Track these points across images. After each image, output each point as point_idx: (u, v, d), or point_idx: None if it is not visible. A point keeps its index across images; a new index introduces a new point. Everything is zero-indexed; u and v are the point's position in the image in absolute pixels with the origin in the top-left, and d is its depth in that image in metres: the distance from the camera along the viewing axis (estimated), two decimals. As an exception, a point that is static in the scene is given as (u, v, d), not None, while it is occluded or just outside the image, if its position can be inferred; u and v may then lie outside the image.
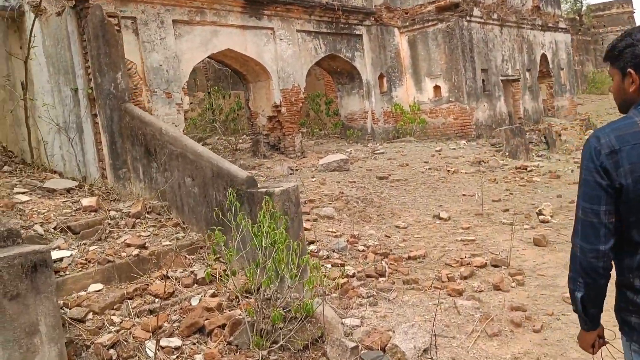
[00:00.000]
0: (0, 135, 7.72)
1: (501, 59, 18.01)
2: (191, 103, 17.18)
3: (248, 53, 12.76)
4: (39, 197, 5.82)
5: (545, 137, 15.49)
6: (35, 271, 3.39)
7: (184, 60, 11.47)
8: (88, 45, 6.33)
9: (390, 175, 10.85)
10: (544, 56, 20.68)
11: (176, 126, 11.06)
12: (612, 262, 1.97)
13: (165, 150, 5.89)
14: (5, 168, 6.96)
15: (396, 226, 7.71)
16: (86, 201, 5.71)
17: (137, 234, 5.43)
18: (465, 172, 11.17)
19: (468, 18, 16.36)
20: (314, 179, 10.43)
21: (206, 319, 4.39)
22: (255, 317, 4.20)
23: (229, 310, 4.58)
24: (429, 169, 11.44)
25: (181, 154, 5.73)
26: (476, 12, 16.68)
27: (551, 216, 7.88)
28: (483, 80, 17.11)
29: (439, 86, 16.74)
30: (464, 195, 9.37)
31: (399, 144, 15.48)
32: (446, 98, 16.59)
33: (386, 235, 7.27)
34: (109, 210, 5.71)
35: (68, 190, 6.08)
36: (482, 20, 17.06)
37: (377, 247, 6.76)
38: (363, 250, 6.69)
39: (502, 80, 17.96)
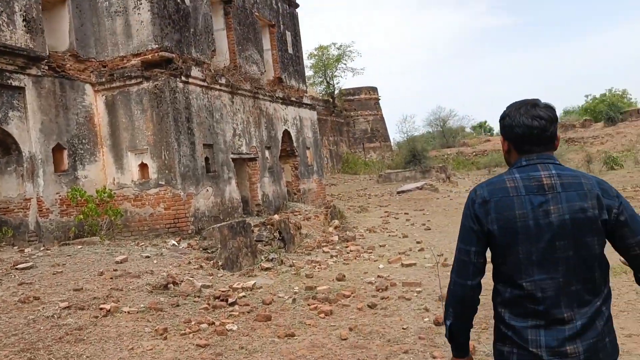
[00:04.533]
0: None
1: (232, 133, 14.55)
2: None
3: None
4: None
5: (280, 233, 12.06)
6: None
7: None
8: None
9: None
10: (287, 133, 18.01)
11: None
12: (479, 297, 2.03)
13: None
14: None
15: None
16: None
17: None
18: (128, 312, 6.63)
19: (184, 78, 12.56)
20: None
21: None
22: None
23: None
24: (67, 307, 6.64)
25: None
26: (196, 72, 13.01)
27: None
28: (207, 159, 13.28)
29: (146, 164, 12.38)
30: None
31: (75, 248, 10.43)
32: (155, 181, 12.25)
33: None
34: None
35: None
36: (206, 84, 13.46)
37: None
38: None
39: (233, 159, 14.42)
